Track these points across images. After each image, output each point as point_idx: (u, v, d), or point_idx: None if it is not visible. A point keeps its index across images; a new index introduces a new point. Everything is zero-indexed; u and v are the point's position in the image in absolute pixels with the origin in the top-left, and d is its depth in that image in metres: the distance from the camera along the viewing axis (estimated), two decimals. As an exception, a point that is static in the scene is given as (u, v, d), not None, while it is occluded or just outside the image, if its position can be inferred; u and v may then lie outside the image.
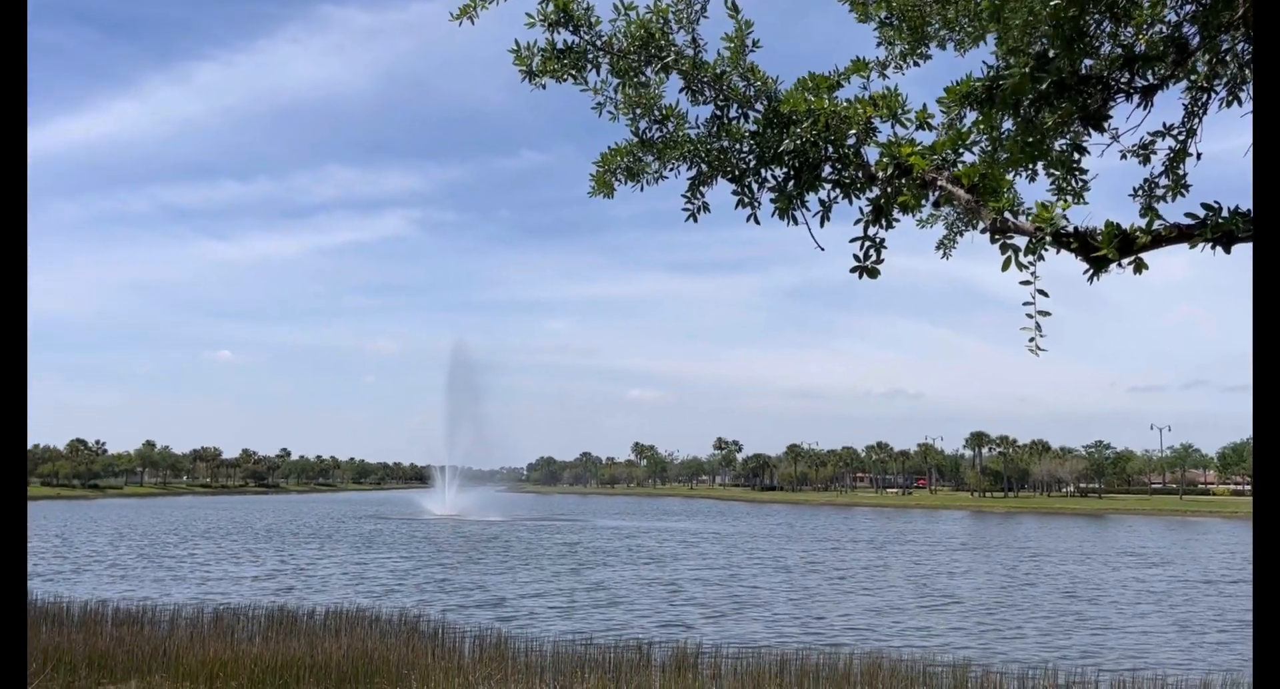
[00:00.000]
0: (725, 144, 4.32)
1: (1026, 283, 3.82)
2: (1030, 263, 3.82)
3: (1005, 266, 3.82)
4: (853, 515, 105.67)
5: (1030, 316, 3.82)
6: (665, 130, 4.44)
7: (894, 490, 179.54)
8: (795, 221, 4.22)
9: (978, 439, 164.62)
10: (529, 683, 15.49)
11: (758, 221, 4.39)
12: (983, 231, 3.95)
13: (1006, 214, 3.90)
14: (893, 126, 4.17)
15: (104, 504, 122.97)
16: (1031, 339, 3.83)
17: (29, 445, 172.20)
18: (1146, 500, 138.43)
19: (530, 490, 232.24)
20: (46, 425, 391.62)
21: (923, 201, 4.16)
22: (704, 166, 4.37)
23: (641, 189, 4.55)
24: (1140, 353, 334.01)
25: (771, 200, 4.25)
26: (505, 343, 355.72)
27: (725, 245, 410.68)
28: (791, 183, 4.20)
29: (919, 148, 4.04)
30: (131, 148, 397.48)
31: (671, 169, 4.46)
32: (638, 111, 4.45)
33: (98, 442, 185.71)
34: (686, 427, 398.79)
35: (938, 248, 5.18)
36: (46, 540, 52.85)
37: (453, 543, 53.33)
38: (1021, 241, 3.87)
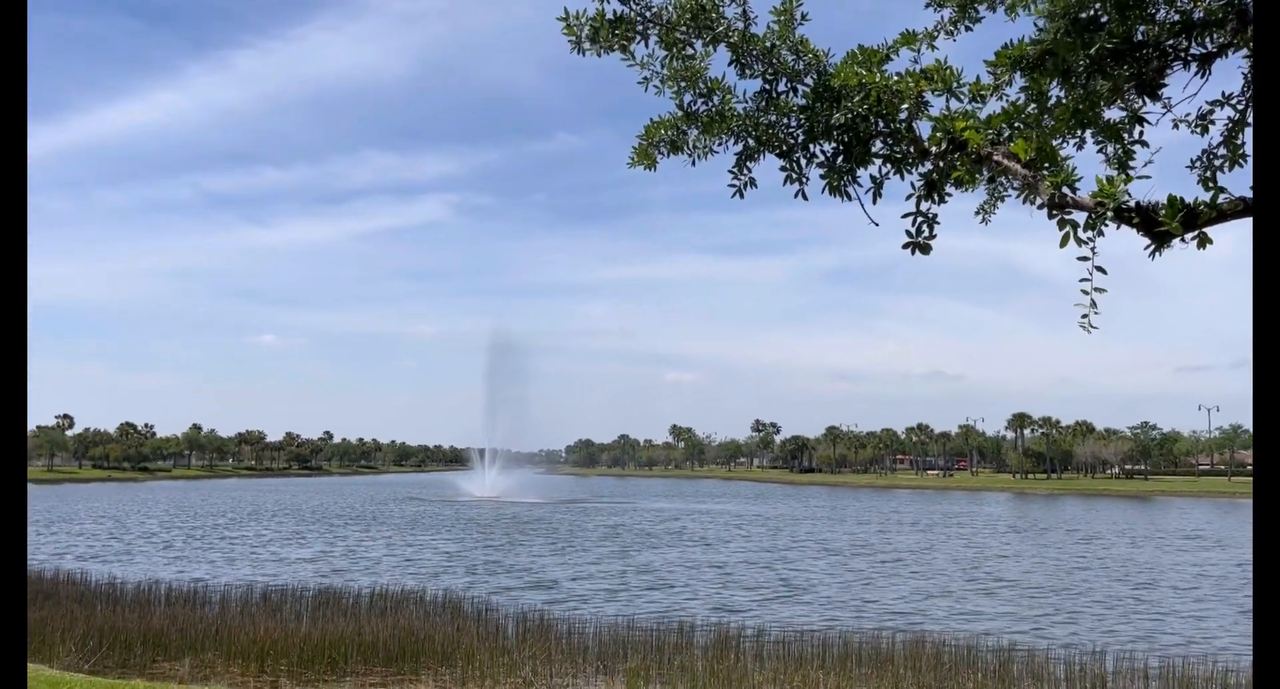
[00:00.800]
0: (773, 118, 4.25)
1: (1084, 259, 3.72)
2: (1089, 239, 3.71)
3: (1064, 243, 3.71)
4: (894, 497, 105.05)
5: (1085, 293, 3.72)
6: (711, 104, 4.39)
7: (934, 472, 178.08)
8: (848, 197, 4.15)
9: (1020, 420, 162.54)
10: (573, 663, 15.60)
11: (805, 197, 4.33)
12: (1040, 207, 3.84)
13: (1065, 189, 3.79)
14: (946, 100, 4.08)
15: (153, 486, 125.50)
16: (1085, 316, 3.73)
17: (81, 429, 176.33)
18: (1194, 482, 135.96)
19: (568, 472, 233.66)
20: (97, 409, 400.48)
21: (977, 176, 4.06)
22: (751, 141, 4.31)
23: (694, 163, 4.50)
24: (1187, 332, 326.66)
25: (821, 176, 4.19)
26: (543, 326, 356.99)
27: (762, 227, 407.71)
28: (841, 158, 4.13)
29: (973, 122, 3.94)
30: (174, 136, 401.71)
31: (720, 144, 4.41)
32: (683, 85, 4.40)
33: (146, 425, 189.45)
34: (724, 409, 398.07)
35: (977, 213, 5.04)
36: (101, 523, 54.06)
37: (496, 525, 53.80)
38: (1080, 217, 3.77)
